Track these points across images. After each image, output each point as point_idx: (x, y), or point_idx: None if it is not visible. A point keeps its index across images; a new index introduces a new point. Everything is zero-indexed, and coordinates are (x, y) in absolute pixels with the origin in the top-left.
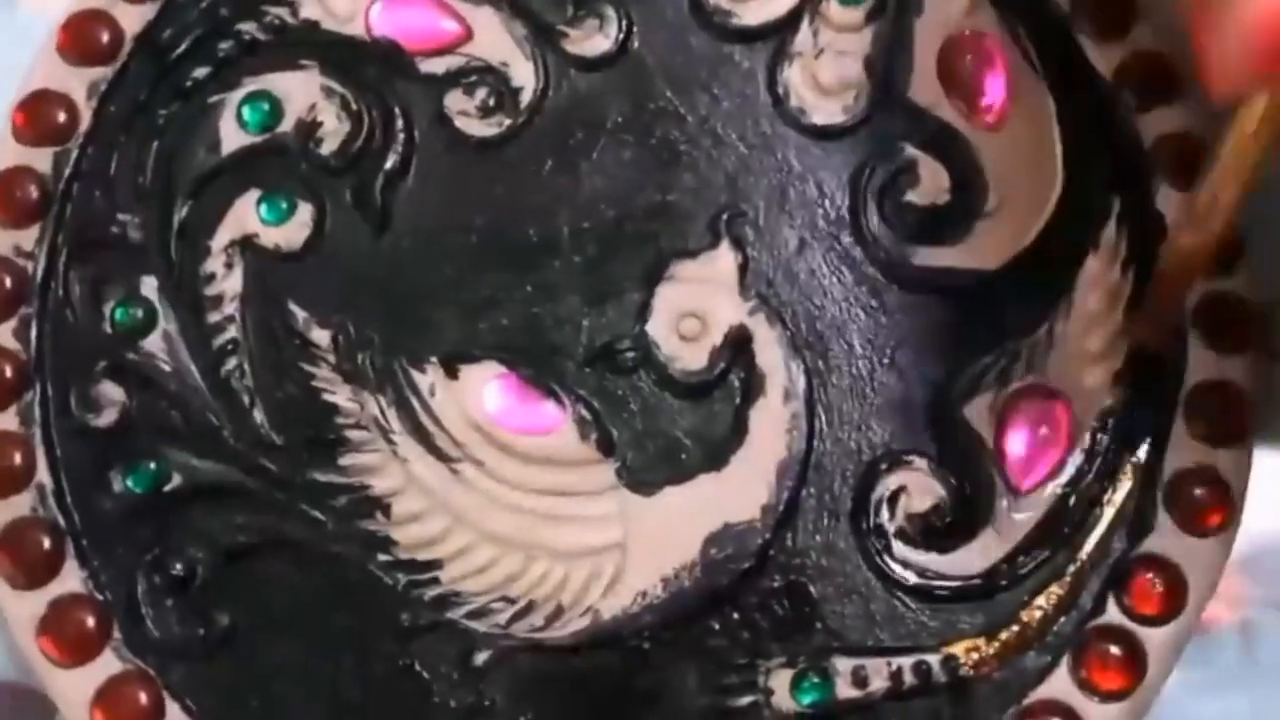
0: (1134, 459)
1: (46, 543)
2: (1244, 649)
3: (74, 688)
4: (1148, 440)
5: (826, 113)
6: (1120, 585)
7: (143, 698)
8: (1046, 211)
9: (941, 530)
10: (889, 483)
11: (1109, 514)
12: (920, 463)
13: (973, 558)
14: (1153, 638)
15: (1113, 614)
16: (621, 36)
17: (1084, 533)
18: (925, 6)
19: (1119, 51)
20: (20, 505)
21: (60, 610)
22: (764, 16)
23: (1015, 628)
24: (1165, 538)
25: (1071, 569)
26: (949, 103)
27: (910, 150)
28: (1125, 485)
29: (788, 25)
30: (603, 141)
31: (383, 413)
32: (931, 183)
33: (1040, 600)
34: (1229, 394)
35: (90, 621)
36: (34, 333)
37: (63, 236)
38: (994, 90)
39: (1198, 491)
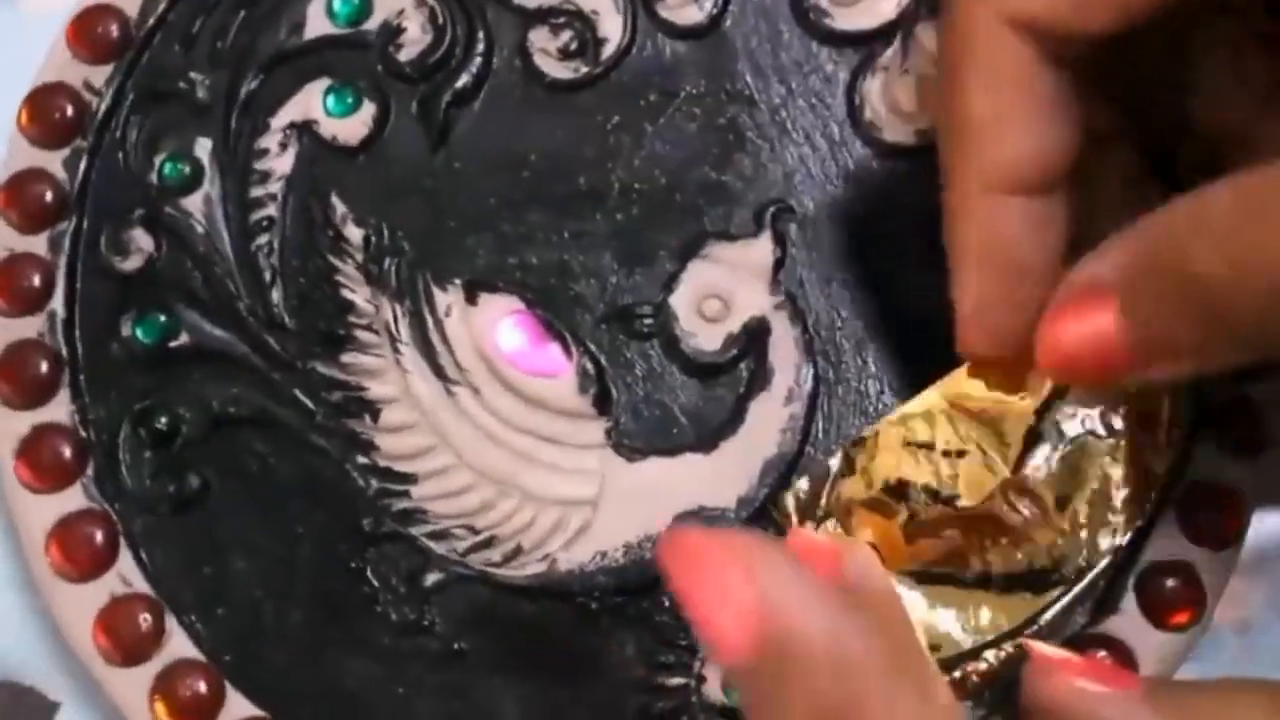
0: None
1: (44, 368)
2: (1243, 649)
3: (37, 514)
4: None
5: (898, 132)
6: None
7: (99, 537)
8: None
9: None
10: None
11: (1078, 585)
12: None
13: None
14: None
15: None
16: (716, 11)
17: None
18: None
19: None
20: (29, 327)
21: (41, 435)
22: (859, 24)
23: (957, 675)
24: (1127, 622)
25: (1026, 631)
26: None
27: None
28: (1101, 561)
29: (880, 38)
30: (672, 109)
31: (395, 321)
32: None
33: (989, 655)
34: (1224, 495)
35: (67, 453)
36: (83, 166)
37: (133, 81)
38: None
39: (1169, 584)
